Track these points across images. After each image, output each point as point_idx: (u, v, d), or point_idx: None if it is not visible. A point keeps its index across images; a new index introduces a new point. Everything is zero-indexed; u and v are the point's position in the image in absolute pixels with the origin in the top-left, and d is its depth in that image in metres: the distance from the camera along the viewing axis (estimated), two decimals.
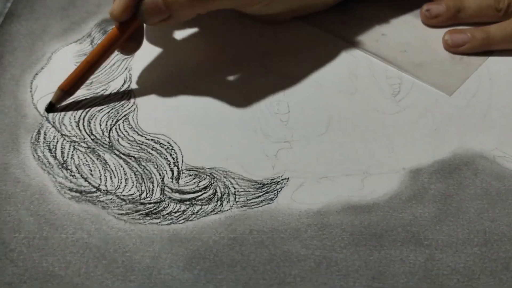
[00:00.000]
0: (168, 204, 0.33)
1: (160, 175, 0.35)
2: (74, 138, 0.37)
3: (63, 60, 0.43)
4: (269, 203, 0.34)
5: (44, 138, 0.37)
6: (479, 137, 0.38)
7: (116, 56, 0.44)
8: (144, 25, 0.39)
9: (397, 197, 0.34)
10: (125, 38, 0.38)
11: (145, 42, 0.44)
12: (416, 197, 0.34)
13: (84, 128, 0.38)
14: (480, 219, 0.33)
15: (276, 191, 0.34)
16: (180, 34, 0.46)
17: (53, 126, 0.38)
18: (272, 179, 0.35)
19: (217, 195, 0.34)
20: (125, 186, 0.34)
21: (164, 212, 0.33)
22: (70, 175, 0.35)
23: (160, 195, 0.34)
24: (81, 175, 0.35)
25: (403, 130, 0.39)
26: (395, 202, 0.34)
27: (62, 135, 0.37)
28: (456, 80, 0.43)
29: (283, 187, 0.35)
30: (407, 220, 0.33)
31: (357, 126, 0.39)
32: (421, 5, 0.48)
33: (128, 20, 0.38)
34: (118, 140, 0.37)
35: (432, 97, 0.41)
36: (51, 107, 0.39)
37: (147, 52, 0.44)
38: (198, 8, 0.38)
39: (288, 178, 0.35)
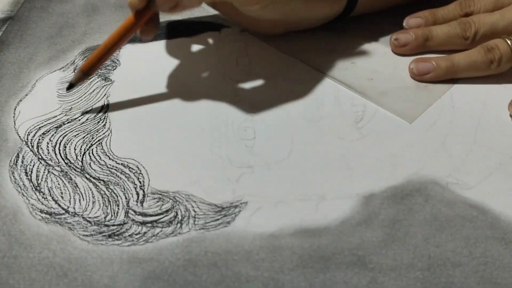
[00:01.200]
0: (131, 226, 0.36)
1: (126, 198, 0.37)
2: (50, 162, 0.40)
3: (47, 87, 0.46)
4: (226, 226, 0.36)
5: (22, 161, 0.40)
6: (434, 164, 0.40)
7: (96, 82, 0.46)
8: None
9: (348, 221, 0.36)
10: (141, 25, 0.41)
11: (125, 70, 0.47)
12: (366, 221, 0.36)
13: (59, 152, 0.40)
14: (426, 244, 0.35)
15: (234, 215, 0.36)
16: (157, 62, 0.48)
17: (31, 150, 0.40)
18: (231, 203, 0.37)
19: (178, 218, 0.36)
20: (92, 208, 0.37)
21: (126, 234, 0.35)
22: (42, 198, 0.37)
23: (124, 217, 0.36)
24: (52, 198, 0.37)
25: (362, 156, 0.40)
26: (345, 226, 0.36)
27: (38, 159, 0.40)
28: (419, 107, 0.44)
29: (241, 210, 0.37)
30: (355, 244, 0.35)
31: (317, 153, 0.41)
32: (391, 34, 0.50)
33: (144, 8, 0.41)
34: (90, 164, 0.39)
35: (393, 124, 0.43)
36: (71, 87, 0.43)
37: (126, 79, 0.47)
38: None
39: (246, 202, 0.37)
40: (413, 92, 0.46)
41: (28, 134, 0.42)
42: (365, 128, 0.43)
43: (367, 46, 0.50)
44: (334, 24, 0.50)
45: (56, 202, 0.37)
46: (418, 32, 0.49)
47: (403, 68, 0.48)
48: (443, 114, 0.44)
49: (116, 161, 0.40)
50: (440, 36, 0.49)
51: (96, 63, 0.42)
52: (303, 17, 0.47)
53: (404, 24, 0.51)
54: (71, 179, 0.38)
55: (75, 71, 0.42)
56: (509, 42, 0.46)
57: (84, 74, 0.42)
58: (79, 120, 0.43)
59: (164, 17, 0.53)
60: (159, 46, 0.50)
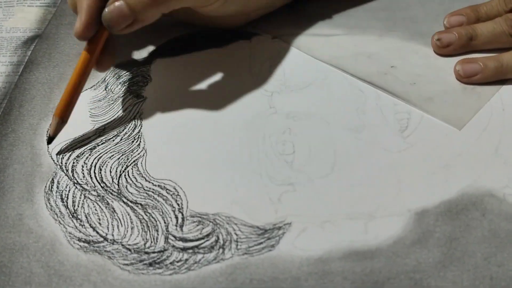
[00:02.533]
0: (171, 253, 0.34)
1: (165, 222, 0.36)
2: (85, 186, 0.38)
3: (78, 106, 0.45)
4: (270, 250, 0.34)
5: (57, 187, 0.39)
6: (489, 174, 0.37)
7: (128, 100, 0.45)
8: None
9: (401, 241, 0.34)
10: (98, 54, 0.41)
11: (156, 86, 0.46)
12: (421, 241, 0.34)
13: (95, 176, 0.39)
14: (487, 264, 0.32)
15: (278, 237, 0.35)
16: (189, 77, 0.47)
17: (65, 175, 0.39)
18: (274, 224, 0.35)
19: (219, 243, 0.34)
20: (131, 234, 0.35)
21: (167, 262, 0.34)
22: (80, 225, 0.36)
23: (164, 243, 0.35)
24: (90, 225, 0.36)
25: (410, 169, 0.38)
26: (398, 247, 0.33)
27: (74, 183, 0.39)
28: (467, 112, 0.42)
29: (285, 232, 0.35)
30: (411, 266, 0.32)
31: (363, 166, 0.38)
32: (432, 34, 0.47)
33: (95, 36, 0.40)
34: (126, 187, 0.38)
35: (441, 132, 0.40)
36: (51, 140, 0.41)
37: (158, 95, 0.45)
38: (162, 7, 0.39)
39: (290, 223, 0.35)
40: (460, 96, 0.43)
41: (62, 158, 0.41)
42: (412, 137, 0.40)
43: (407, 48, 0.48)
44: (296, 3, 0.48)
45: (94, 229, 0.36)
46: (461, 31, 0.46)
47: (447, 70, 0.45)
48: (493, 118, 0.41)
49: (152, 183, 0.38)
50: (485, 35, 0.46)
51: (67, 107, 0.41)
52: (263, 1, 0.45)
53: (444, 22, 0.48)
54: (108, 203, 0.37)
55: (51, 122, 0.41)
56: None
57: (60, 120, 0.41)
58: (113, 140, 0.42)
59: (194, 28, 0.51)
60: (190, 58, 0.49)
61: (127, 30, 0.40)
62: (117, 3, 0.39)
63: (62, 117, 0.41)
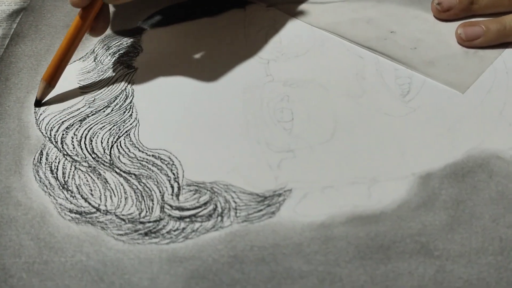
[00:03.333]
0: (168, 222, 0.33)
1: (160, 192, 0.34)
2: (76, 158, 0.37)
3: (67, 78, 0.43)
4: (270, 217, 0.32)
5: (46, 159, 0.37)
6: (494, 136, 0.36)
7: (119, 71, 0.43)
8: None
9: (406, 205, 0.32)
10: (90, 23, 0.40)
11: (148, 56, 0.44)
12: (426, 204, 0.32)
13: (85, 147, 0.38)
14: (496, 226, 0.31)
15: (278, 204, 0.33)
16: (181, 45, 0.45)
17: (55, 146, 0.38)
18: (274, 191, 0.34)
19: (218, 211, 0.33)
20: (124, 205, 0.34)
21: (163, 231, 0.32)
22: (71, 196, 0.35)
23: (160, 213, 0.33)
24: (81, 196, 0.34)
25: (413, 133, 0.37)
26: (403, 210, 0.32)
27: (64, 155, 0.37)
28: (470, 76, 0.41)
29: (285, 199, 0.33)
30: (416, 229, 0.31)
31: (364, 131, 0.37)
32: None
33: (89, 3, 0.39)
34: (119, 157, 0.37)
35: (444, 95, 0.39)
36: (38, 103, 0.41)
37: (150, 66, 0.44)
38: None
39: (291, 190, 0.34)
40: (462, 60, 0.42)
41: (51, 130, 0.39)
42: (414, 102, 0.39)
43: (406, 13, 0.46)
44: None
45: (86, 200, 0.34)
46: None
47: (448, 34, 0.44)
48: (497, 81, 0.40)
49: (146, 153, 0.37)
50: None
51: (56, 72, 0.40)
52: None
53: None
54: (100, 174, 0.36)
55: (39, 85, 0.40)
56: None
57: (47, 84, 0.40)
58: (104, 111, 0.40)
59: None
60: (182, 28, 0.47)
61: (120, 1, 0.39)
62: None
63: (50, 81, 0.40)
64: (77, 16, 0.40)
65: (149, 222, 0.33)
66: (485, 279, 0.29)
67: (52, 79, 0.40)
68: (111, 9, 0.47)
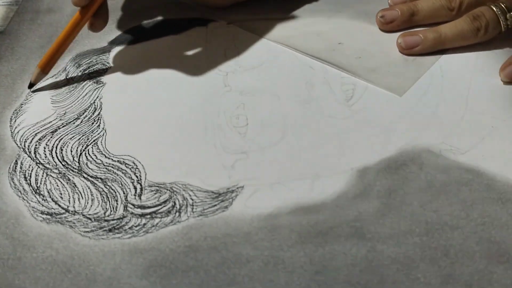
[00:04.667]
0: (130, 219, 0.36)
1: (124, 193, 0.38)
2: (47, 165, 0.40)
3: (41, 95, 0.47)
4: (223, 211, 0.36)
5: (21, 167, 0.40)
6: (426, 133, 0.40)
7: (88, 86, 0.47)
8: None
9: (344, 195, 0.36)
10: (88, 19, 0.45)
11: (115, 72, 0.48)
12: (362, 194, 0.36)
13: (56, 156, 0.41)
14: (423, 211, 0.35)
15: (231, 199, 0.37)
16: (146, 61, 0.49)
17: (29, 156, 0.41)
18: (228, 188, 0.37)
19: (176, 207, 0.36)
20: (91, 206, 0.37)
21: (126, 227, 0.36)
22: (43, 200, 0.38)
23: (123, 211, 0.37)
24: (52, 199, 0.38)
25: (354, 133, 0.41)
26: (341, 200, 0.36)
27: (36, 163, 0.40)
28: (408, 80, 0.45)
29: (237, 195, 0.37)
30: (352, 216, 0.35)
31: (310, 133, 0.41)
32: (376, 13, 0.50)
33: (89, 3, 0.44)
34: (87, 164, 0.40)
35: (383, 99, 0.43)
36: (31, 85, 0.46)
37: (117, 81, 0.47)
38: None
39: (243, 186, 0.37)
40: (401, 66, 0.46)
41: (25, 141, 0.42)
42: (356, 105, 0.43)
43: (353, 26, 0.50)
44: None
45: (56, 202, 0.38)
46: (403, 8, 0.49)
47: (390, 44, 0.48)
48: (433, 84, 0.44)
49: (112, 159, 0.40)
50: (426, 10, 0.49)
51: (50, 60, 0.46)
52: None
53: (389, 1, 0.51)
54: (69, 179, 0.39)
55: (34, 71, 0.46)
56: (494, 8, 0.46)
57: (42, 71, 0.46)
58: (74, 123, 0.44)
59: (151, 17, 0.54)
60: (148, 46, 0.51)
61: None
62: None
63: (44, 68, 0.45)
64: (77, 12, 0.44)
65: (113, 219, 0.36)
66: (410, 256, 0.32)
67: (46, 66, 0.45)
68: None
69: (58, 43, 0.45)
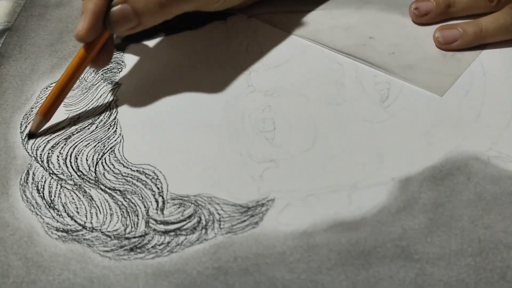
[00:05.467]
0: (153, 237, 0.33)
1: (145, 207, 0.35)
2: (61, 176, 0.37)
3: None
4: (254, 227, 0.33)
5: (33, 178, 0.38)
6: (472, 138, 0.37)
7: (102, 87, 0.44)
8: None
9: (386, 209, 0.33)
10: (94, 56, 0.39)
11: (131, 71, 0.45)
12: (406, 208, 0.33)
13: (71, 165, 0.38)
14: (474, 227, 0.32)
15: (261, 214, 0.34)
16: (163, 60, 0.46)
17: (41, 166, 0.38)
18: (257, 202, 0.34)
19: (202, 223, 0.34)
20: (110, 221, 0.34)
21: (149, 246, 0.33)
22: (57, 215, 0.35)
23: (145, 228, 0.34)
24: (67, 214, 0.35)
25: (392, 138, 0.37)
26: (383, 215, 0.33)
27: (50, 174, 0.38)
28: (448, 79, 0.41)
29: (268, 209, 0.34)
30: (396, 234, 0.32)
31: (344, 138, 0.38)
32: (409, 4, 0.46)
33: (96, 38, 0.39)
34: (104, 174, 0.37)
35: (422, 99, 0.40)
36: (32, 136, 0.40)
37: (133, 81, 0.44)
38: (167, 13, 0.38)
39: (273, 199, 0.34)
40: (440, 63, 0.42)
41: (37, 149, 0.40)
42: (393, 107, 0.39)
43: (384, 19, 0.47)
44: None
45: (72, 218, 0.35)
46: None
47: (426, 38, 0.44)
48: (474, 83, 0.41)
49: (131, 168, 0.37)
50: (463, 1, 0.45)
51: (53, 105, 0.40)
52: None
53: None
54: (86, 192, 0.36)
55: (33, 117, 0.40)
56: None
57: (43, 118, 0.40)
58: (89, 128, 0.41)
59: None
60: (165, 42, 0.47)
61: (128, 32, 0.39)
62: (122, 6, 0.38)
63: (46, 115, 0.40)
64: (81, 48, 0.39)
65: (135, 237, 0.33)
66: (464, 280, 0.29)
67: (48, 113, 0.40)
68: None
69: (60, 86, 0.39)
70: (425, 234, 0.31)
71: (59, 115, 0.42)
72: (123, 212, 0.35)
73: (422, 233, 0.32)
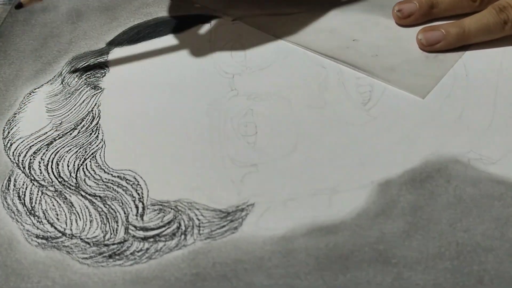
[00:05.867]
0: (132, 243, 0.33)
1: (125, 213, 0.35)
2: (43, 182, 0.37)
3: (35, 103, 0.44)
4: (233, 232, 0.33)
5: (14, 185, 0.37)
6: (453, 140, 0.37)
7: (85, 92, 0.44)
8: None
9: (365, 213, 0.33)
10: None
11: (114, 76, 0.45)
12: (385, 212, 0.33)
13: (52, 171, 0.38)
14: (453, 230, 0.32)
15: (240, 219, 0.34)
16: (148, 64, 0.45)
17: (22, 172, 0.38)
18: (237, 206, 0.34)
19: (181, 229, 0.33)
20: (89, 228, 0.34)
21: (127, 252, 0.33)
22: (37, 221, 0.35)
23: (124, 234, 0.34)
24: (47, 221, 0.35)
25: (373, 141, 0.37)
26: (362, 219, 0.33)
27: (31, 180, 0.38)
28: (430, 81, 0.41)
29: (248, 213, 0.34)
30: (375, 238, 0.32)
31: (325, 142, 0.38)
32: (393, 5, 0.46)
33: None
34: (84, 180, 0.37)
35: (404, 101, 0.40)
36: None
37: (116, 86, 0.44)
38: None
39: (253, 204, 0.34)
40: (422, 65, 0.42)
41: (19, 155, 0.39)
42: (374, 109, 0.39)
43: (368, 21, 0.47)
44: None
45: (52, 225, 0.35)
46: (422, 0, 0.45)
47: (409, 40, 0.44)
48: (457, 85, 0.41)
49: (112, 174, 0.37)
50: (446, 1, 0.45)
51: None
52: None
53: None
54: (66, 198, 0.36)
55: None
56: None
57: None
58: (70, 134, 0.41)
59: (151, 15, 0.50)
60: (149, 46, 0.47)
61: None
62: None
63: None
64: None
65: (113, 244, 0.33)
66: (441, 284, 0.29)
67: None
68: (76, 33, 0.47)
69: None
70: (403, 238, 0.31)
71: (42, 121, 0.42)
72: (102, 218, 0.35)
73: (400, 237, 0.32)
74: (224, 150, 0.38)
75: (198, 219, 0.34)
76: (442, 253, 0.31)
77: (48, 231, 0.34)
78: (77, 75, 0.46)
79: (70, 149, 0.39)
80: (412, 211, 0.33)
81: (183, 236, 0.33)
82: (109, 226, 0.34)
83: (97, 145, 0.39)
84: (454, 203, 0.33)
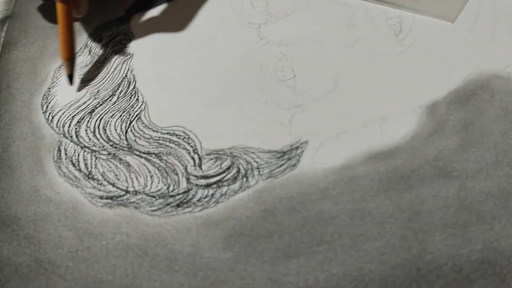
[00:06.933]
0: (196, 192, 0.34)
1: (182, 165, 0.36)
2: (94, 148, 0.38)
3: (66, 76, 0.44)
4: (293, 169, 0.34)
5: (65, 154, 0.38)
6: (489, 58, 0.37)
7: (115, 60, 0.44)
8: None
9: (418, 135, 0.34)
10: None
11: (140, 40, 0.45)
12: (437, 131, 0.34)
13: (101, 136, 0.39)
14: (506, 139, 0.33)
15: (297, 156, 0.34)
16: (170, 24, 0.46)
17: (71, 141, 0.39)
18: (291, 146, 0.35)
19: (241, 173, 0.34)
20: (151, 183, 0.35)
21: (194, 200, 0.34)
22: (98, 184, 0.36)
23: (187, 184, 0.34)
24: (108, 182, 0.36)
25: (412, 68, 0.38)
26: (416, 141, 0.34)
27: (81, 147, 0.38)
28: (457, 4, 0.42)
29: (303, 150, 0.35)
30: (432, 155, 0.33)
31: (365, 76, 0.38)
32: None
33: None
34: (135, 140, 0.38)
35: (435, 28, 0.40)
36: (71, 78, 0.42)
37: (144, 49, 0.44)
38: None
39: (307, 141, 0.35)
40: None
41: (63, 126, 0.40)
42: (407, 39, 0.40)
43: None
44: None
45: (113, 185, 0.35)
46: None
47: None
48: (484, 4, 0.41)
49: (161, 132, 0.38)
50: None
51: (68, 47, 0.42)
52: None
53: None
54: (121, 159, 0.37)
55: (63, 65, 0.42)
56: None
57: (69, 60, 0.42)
58: (110, 100, 0.41)
59: None
60: (168, 7, 0.47)
61: None
62: None
63: (69, 57, 0.42)
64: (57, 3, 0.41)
65: (178, 194, 0.34)
66: (505, 188, 0.30)
67: (68, 54, 0.42)
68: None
69: (63, 29, 0.42)
70: (460, 152, 0.32)
71: (78, 91, 0.42)
72: (162, 172, 0.35)
73: (456, 151, 0.33)
74: (266, 95, 0.39)
75: (256, 162, 0.35)
76: (500, 161, 0.32)
77: (111, 191, 0.35)
78: (103, 44, 0.46)
79: (114, 114, 0.40)
80: (463, 127, 0.34)
81: (244, 179, 0.34)
82: (170, 178, 0.35)
83: (139, 107, 0.40)
84: (501, 115, 0.34)
